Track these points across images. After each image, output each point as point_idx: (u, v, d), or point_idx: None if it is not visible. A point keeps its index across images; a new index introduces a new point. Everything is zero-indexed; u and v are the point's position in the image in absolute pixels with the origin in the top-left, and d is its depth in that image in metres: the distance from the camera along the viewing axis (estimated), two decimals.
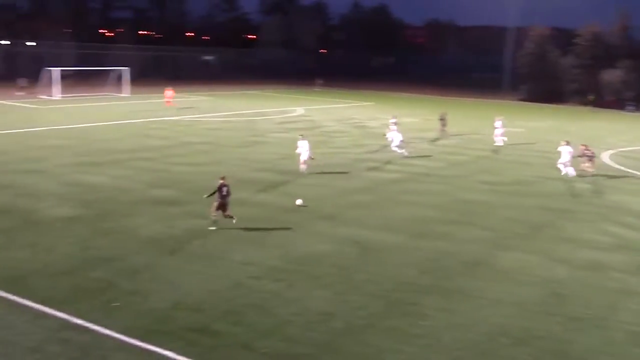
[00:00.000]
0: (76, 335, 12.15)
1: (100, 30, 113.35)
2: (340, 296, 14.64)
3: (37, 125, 39.77)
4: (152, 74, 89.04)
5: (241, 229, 19.42)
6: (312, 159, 28.22)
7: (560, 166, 29.82)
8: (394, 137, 33.88)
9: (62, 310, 13.11)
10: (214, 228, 19.20)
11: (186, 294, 14.39)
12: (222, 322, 13.06)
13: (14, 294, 13.84)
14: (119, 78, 65.71)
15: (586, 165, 29.77)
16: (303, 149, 28.09)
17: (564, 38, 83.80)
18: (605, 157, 35.92)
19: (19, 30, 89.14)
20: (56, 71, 59.91)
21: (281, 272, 16.00)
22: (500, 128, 38.65)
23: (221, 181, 19.30)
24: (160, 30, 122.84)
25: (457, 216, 22.11)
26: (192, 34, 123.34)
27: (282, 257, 17.06)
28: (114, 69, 66.98)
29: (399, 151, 33.37)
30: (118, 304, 13.68)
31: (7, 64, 76.95)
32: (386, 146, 35.06)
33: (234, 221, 19.32)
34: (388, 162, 31.84)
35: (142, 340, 12.02)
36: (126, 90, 64.73)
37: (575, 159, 29.85)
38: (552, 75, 79.11)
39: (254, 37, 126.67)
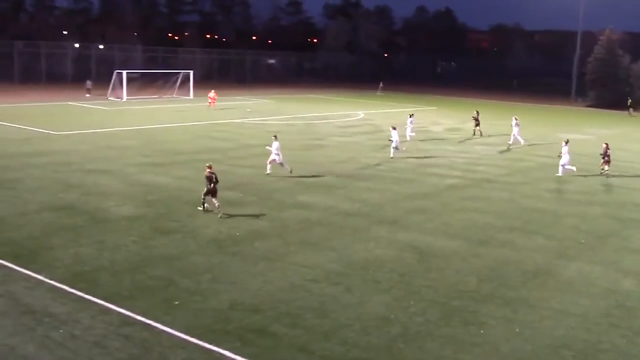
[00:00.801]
0: (137, 332, 12.42)
1: (168, 34, 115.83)
2: (399, 302, 14.54)
3: (106, 127, 40.89)
4: (217, 77, 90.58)
5: (300, 231, 19.54)
6: (281, 164, 27.38)
7: (560, 168, 30.30)
8: (394, 136, 33.36)
9: (124, 306, 13.43)
10: (200, 208, 21.11)
11: (245, 294, 14.53)
12: (279, 323, 13.14)
13: (80, 289, 14.24)
14: (184, 81, 66.99)
15: (603, 166, 30.83)
16: (273, 149, 27.28)
17: (636, 43, 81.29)
18: None
19: (90, 33, 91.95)
20: (124, 74, 61.50)
21: (339, 275, 16.00)
22: (516, 127, 39.62)
23: (208, 170, 20.69)
24: (226, 33, 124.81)
25: (519, 224, 21.68)
26: (257, 38, 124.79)
27: (341, 261, 17.06)
28: (180, 72, 68.32)
29: (393, 149, 33.29)
30: (178, 302, 13.92)
31: (78, 67, 79.44)
32: (448, 151, 34.71)
33: (217, 207, 20.69)
34: (450, 167, 31.49)
35: (201, 339, 12.20)
36: (191, 92, 65.90)
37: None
38: (623, 81, 76.79)
39: (317, 40, 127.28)
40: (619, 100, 74.52)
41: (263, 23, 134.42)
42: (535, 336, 13.10)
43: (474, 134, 43.47)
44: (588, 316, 14.18)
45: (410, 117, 41.28)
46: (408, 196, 25.06)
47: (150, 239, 18.19)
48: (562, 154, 30.29)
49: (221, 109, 55.44)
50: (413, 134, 40.69)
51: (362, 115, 55.60)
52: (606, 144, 31.09)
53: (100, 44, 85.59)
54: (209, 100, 55.73)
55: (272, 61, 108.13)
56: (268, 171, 27.61)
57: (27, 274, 15.03)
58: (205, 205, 21.15)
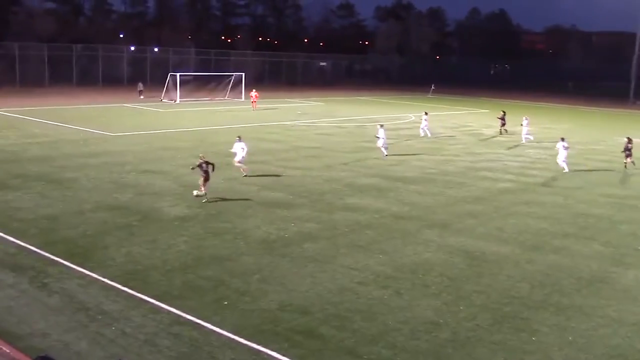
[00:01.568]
0: (186, 331, 12.56)
1: (220, 37, 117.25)
2: (448, 306, 14.36)
3: (159, 128, 41.59)
4: (268, 79, 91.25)
5: (350, 234, 19.50)
6: (240, 164, 26.98)
7: (562, 164, 31.52)
8: (381, 137, 33.97)
9: (174, 305, 13.60)
10: (204, 200, 22.47)
11: (293, 296, 14.56)
12: (327, 325, 13.12)
13: (132, 288, 14.49)
14: (236, 83, 67.66)
15: (627, 160, 32.28)
16: (238, 150, 26.86)
17: None
18: None
19: (145, 36, 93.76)
20: (178, 76, 62.46)
21: (388, 278, 15.89)
22: (526, 127, 41.94)
23: (200, 160, 22.49)
24: (277, 36, 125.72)
25: (574, 230, 21.19)
26: (308, 41, 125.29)
27: (390, 264, 16.95)
28: (232, 74, 69.05)
29: (383, 151, 33.82)
30: (227, 302, 14.03)
31: (133, 69, 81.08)
32: (500, 154, 34.20)
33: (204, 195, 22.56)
34: (503, 171, 31.01)
35: (249, 340, 12.26)
36: (243, 95, 66.52)
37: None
38: None
39: (368, 43, 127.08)
40: None
41: (314, 26, 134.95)
42: (590, 345, 12.77)
43: (500, 133, 45.10)
44: None
45: (424, 114, 43.82)
46: (459, 200, 24.77)
47: (201, 239, 18.40)
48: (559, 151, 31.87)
49: (272, 111, 55.79)
50: (427, 131, 42.90)
51: (413, 118, 55.22)
52: (628, 137, 32.86)
53: (155, 47, 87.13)
54: (252, 100, 57.25)
55: (323, 63, 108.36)
56: (246, 173, 27.15)
57: (81, 272, 15.37)
58: (203, 191, 22.60)
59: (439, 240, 19.27)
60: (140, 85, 65.31)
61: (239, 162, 27.17)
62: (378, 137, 33.99)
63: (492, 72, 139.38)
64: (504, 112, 46.34)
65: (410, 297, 14.81)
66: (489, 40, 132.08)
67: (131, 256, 16.70)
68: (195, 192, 22.98)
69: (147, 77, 78.48)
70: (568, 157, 31.78)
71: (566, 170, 31.28)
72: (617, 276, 16.88)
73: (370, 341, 12.53)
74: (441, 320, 13.58)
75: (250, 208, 22.01)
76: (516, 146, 40.04)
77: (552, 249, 18.88)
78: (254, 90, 58.35)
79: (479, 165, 32.49)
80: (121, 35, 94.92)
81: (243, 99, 64.96)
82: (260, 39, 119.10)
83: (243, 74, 68.42)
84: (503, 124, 45.23)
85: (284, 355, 11.78)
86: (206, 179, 22.51)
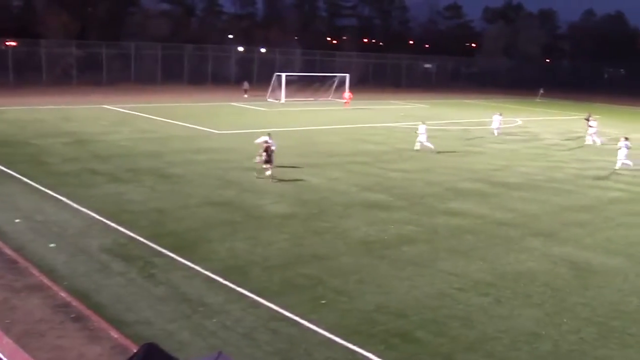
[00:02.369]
0: (284, 327, 12.76)
1: (326, 38, 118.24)
2: (551, 317, 13.89)
3: (264, 127, 42.33)
4: (372, 81, 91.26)
5: (450, 239, 19.23)
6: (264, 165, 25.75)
7: (624, 163, 32.34)
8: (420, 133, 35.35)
9: (273, 301, 13.85)
10: (261, 177, 25.43)
11: (391, 298, 14.51)
12: (424, 330, 12.99)
13: (233, 282, 14.86)
14: (340, 84, 68.06)
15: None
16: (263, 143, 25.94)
17: None
18: None
19: (254, 37, 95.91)
20: (283, 76, 63.52)
21: (489, 286, 15.55)
22: (594, 127, 42.21)
23: (264, 142, 25.46)
24: (383, 38, 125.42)
25: None
26: (413, 42, 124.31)
27: (491, 271, 16.58)
28: (336, 75, 69.51)
29: (428, 145, 34.99)
30: (325, 301, 14.15)
31: (241, 69, 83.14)
32: (611, 162, 32.76)
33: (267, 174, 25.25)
34: (613, 180, 29.69)
35: (346, 340, 12.31)
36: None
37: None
38: None
39: (475, 45, 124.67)
40: None
41: (420, 27, 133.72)
42: None
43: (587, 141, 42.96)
44: None
45: (499, 115, 44.50)
46: (566, 208, 23.90)
47: (302, 237, 18.64)
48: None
49: (375, 112, 55.79)
50: (498, 130, 43.76)
51: (520, 122, 53.77)
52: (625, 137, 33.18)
53: (263, 47, 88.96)
54: (344, 100, 60.42)
55: (428, 65, 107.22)
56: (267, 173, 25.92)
57: (186, 264, 15.92)
58: (267, 173, 25.32)
59: (543, 249, 18.67)
60: (246, 85, 66.84)
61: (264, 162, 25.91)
62: (418, 134, 35.49)
63: (605, 76, 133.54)
64: (589, 113, 45.23)
65: (511, 306, 14.44)
66: (604, 43, 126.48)
67: (233, 251, 17.13)
68: (267, 173, 25.55)
69: (253, 76, 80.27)
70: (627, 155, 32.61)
71: (630, 164, 32.28)
72: None
73: (468, 349, 12.31)
74: (543, 332, 13.16)
75: (350, 208, 22.10)
76: (628, 155, 38.19)
77: None
78: (347, 90, 62.24)
79: (587, 173, 31.23)
80: (230, 36, 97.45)
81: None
82: (365, 40, 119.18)
83: (347, 75, 68.75)
84: (590, 126, 43.59)
85: (379, 357, 11.76)
86: (268, 161, 25.37)
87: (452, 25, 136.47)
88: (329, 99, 66.61)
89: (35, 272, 14.88)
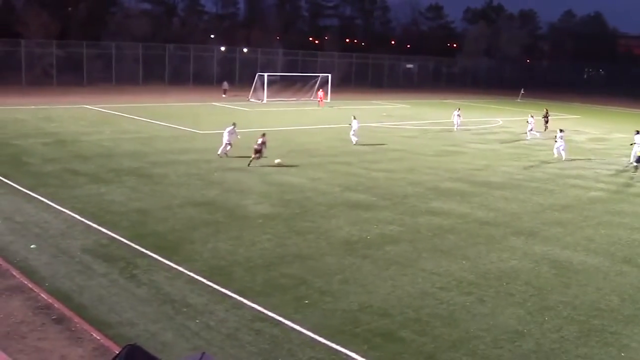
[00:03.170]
0: (268, 328, 12.75)
1: (308, 38, 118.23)
2: (533, 316, 14.00)
3: (246, 127, 42.27)
4: (354, 81, 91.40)
5: (433, 238, 19.31)
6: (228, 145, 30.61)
7: (560, 152, 35.08)
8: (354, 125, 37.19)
9: (256, 302, 13.83)
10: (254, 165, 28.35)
11: (374, 298, 14.55)
12: (407, 329, 13.04)
13: (217, 283, 14.83)
14: (322, 84, 68.12)
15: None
16: (225, 136, 30.75)
17: None
18: None
19: (235, 37, 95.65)
20: (265, 76, 63.44)
21: (471, 285, 15.64)
22: (531, 124, 44.13)
23: (263, 138, 29.16)
24: (365, 38, 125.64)
25: None
26: (395, 42, 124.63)
27: (473, 270, 16.68)
28: (318, 75, 69.55)
29: (353, 139, 37.03)
30: (308, 301, 14.16)
31: (222, 69, 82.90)
32: (592, 161, 33.09)
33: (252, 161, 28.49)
34: (594, 179, 29.97)
35: (329, 340, 12.33)
36: (329, 96, 66.91)
37: None
38: None
39: (456, 45, 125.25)
40: None
41: (402, 27, 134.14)
42: None
43: (545, 131, 45.46)
44: None
45: (457, 111, 47.46)
46: (547, 207, 24.10)
47: (285, 237, 18.63)
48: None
49: (357, 112, 55.93)
50: (458, 125, 46.65)
51: (501, 122, 54.15)
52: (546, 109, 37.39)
53: (245, 47, 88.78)
54: (318, 99, 61.76)
55: (410, 66, 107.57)
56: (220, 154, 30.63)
57: (169, 265, 15.86)
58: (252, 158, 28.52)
59: (524, 248, 18.82)
60: (225, 85, 66.68)
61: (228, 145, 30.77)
62: (350, 126, 37.38)
63: (585, 76, 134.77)
64: (546, 109, 48.77)
65: (493, 304, 14.54)
66: (583, 44, 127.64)
67: (216, 252, 17.09)
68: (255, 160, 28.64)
69: (235, 76, 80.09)
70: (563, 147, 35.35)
71: (563, 158, 34.88)
72: None
73: (451, 347, 12.38)
74: (525, 330, 13.27)
75: (333, 208, 22.13)
76: (608, 152, 38.61)
77: None
78: (321, 90, 63.68)
79: (568, 172, 31.51)
80: (212, 36, 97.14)
81: (329, 100, 65.37)
82: (347, 40, 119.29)
83: (329, 75, 68.79)
84: (546, 122, 46.70)
85: (363, 357, 11.79)
86: (257, 151, 28.66)
87: (434, 26, 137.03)
88: (312, 99, 66.60)
89: (16, 273, 14.75)
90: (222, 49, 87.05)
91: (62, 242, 17.25)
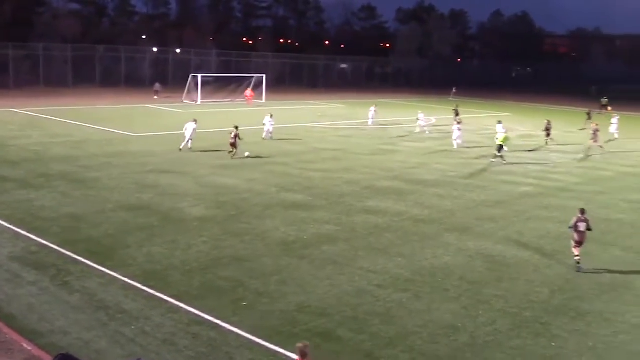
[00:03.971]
0: (205, 331, 12.63)
1: (242, 39, 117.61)
2: (467, 310, 14.30)
3: (180, 129, 41.72)
4: (289, 81, 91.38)
5: (369, 237, 19.49)
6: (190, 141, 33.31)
7: (457, 142, 38.51)
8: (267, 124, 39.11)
9: (193, 305, 13.69)
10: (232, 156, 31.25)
11: (312, 297, 14.59)
12: (345, 328, 13.13)
13: (152, 287, 14.61)
14: (257, 85, 67.87)
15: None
16: (188, 131, 33.38)
17: None
18: None
19: (168, 38, 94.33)
20: (199, 78, 62.78)
21: (407, 282, 15.86)
22: (422, 120, 45.92)
23: (235, 131, 31.97)
24: (298, 38, 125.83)
25: (595, 235, 20.82)
26: (329, 43, 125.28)
27: (409, 267, 16.92)
28: (252, 76, 69.25)
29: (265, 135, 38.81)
30: (246, 303, 14.09)
31: (155, 70, 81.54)
32: (521, 157, 33.97)
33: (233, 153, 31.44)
34: (524, 175, 30.81)
35: (267, 341, 12.31)
36: (264, 96, 66.71)
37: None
38: None
39: (389, 45, 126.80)
40: None
41: (336, 27, 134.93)
42: (610, 351, 12.67)
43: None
44: None
45: (373, 107, 50.15)
46: (480, 203, 24.65)
47: (221, 239, 18.49)
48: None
49: (292, 112, 55.95)
50: (372, 120, 48.88)
51: (434, 121, 55.00)
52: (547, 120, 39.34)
53: (177, 48, 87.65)
54: (246, 97, 63.51)
55: (344, 66, 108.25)
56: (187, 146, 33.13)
57: (102, 271, 15.52)
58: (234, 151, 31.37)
59: (458, 244, 19.20)
60: (157, 86, 65.70)
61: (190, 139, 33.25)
62: (264, 124, 39.03)
63: (514, 75, 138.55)
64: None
65: (429, 300, 14.78)
66: (511, 43, 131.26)
67: (151, 256, 16.83)
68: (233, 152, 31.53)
69: (168, 78, 78.95)
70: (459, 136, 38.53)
71: (455, 147, 37.98)
72: (638, 282, 16.71)
73: (388, 344, 12.52)
74: (460, 325, 13.53)
75: (269, 209, 22.08)
76: (538, 150, 39.76)
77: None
78: (248, 89, 64.92)
79: (499, 169, 32.29)
80: (144, 37, 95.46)
81: (264, 101, 65.19)
82: (281, 41, 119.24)
83: (264, 76, 68.59)
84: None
85: None
86: (233, 145, 31.52)
87: (367, 26, 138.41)
88: (240, 99, 66.26)
89: None
90: (155, 49, 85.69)
91: None
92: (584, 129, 40.88)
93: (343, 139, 40.82)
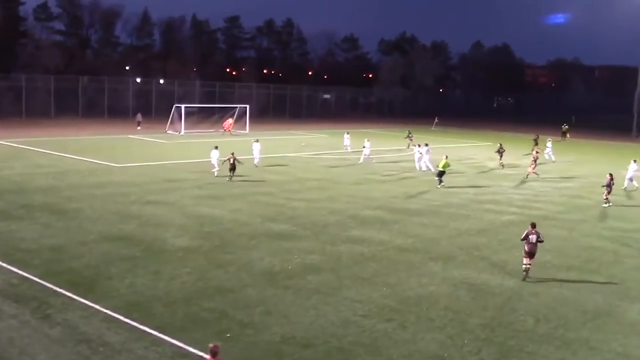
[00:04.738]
0: None
1: (225, 69, 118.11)
2: (453, 340, 14.26)
3: (164, 159, 41.78)
4: (272, 111, 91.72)
5: (354, 266, 19.44)
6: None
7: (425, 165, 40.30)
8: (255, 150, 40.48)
9: (176, 337, 13.54)
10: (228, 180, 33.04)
11: (297, 328, 14.48)
12: (331, 359, 13.02)
13: (135, 319, 14.43)
14: (240, 115, 67.99)
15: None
16: (213, 159, 35.41)
17: None
18: None
19: (151, 69, 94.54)
20: (183, 108, 62.83)
21: (392, 311, 15.81)
22: (368, 148, 45.30)
23: (231, 156, 33.66)
24: (282, 69, 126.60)
25: (578, 263, 21.10)
26: (312, 73, 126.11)
27: (394, 297, 16.87)
28: (236, 107, 69.40)
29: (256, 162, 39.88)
30: (230, 334, 13.95)
31: (138, 101, 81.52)
32: (504, 187, 34.16)
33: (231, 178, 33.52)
34: (507, 204, 30.98)
35: None
36: (247, 127, 66.82)
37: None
38: None
39: (372, 76, 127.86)
40: None
41: (319, 58, 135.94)
42: None
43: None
44: None
45: (347, 133, 53.58)
46: (463, 232, 24.72)
47: (205, 270, 18.35)
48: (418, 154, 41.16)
49: (275, 143, 56.06)
50: (349, 146, 51.45)
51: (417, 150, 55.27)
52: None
53: (161, 79, 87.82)
54: (225, 126, 64.85)
55: (327, 96, 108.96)
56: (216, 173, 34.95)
57: (84, 303, 15.32)
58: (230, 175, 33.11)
59: (443, 273, 19.19)
60: (139, 117, 65.63)
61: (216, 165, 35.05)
62: (253, 150, 40.22)
63: (495, 105, 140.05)
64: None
65: (414, 330, 14.72)
66: (493, 74, 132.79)
67: (134, 287, 16.66)
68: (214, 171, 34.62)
69: (152, 109, 78.95)
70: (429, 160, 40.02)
71: (425, 170, 40.27)
72: (622, 310, 16.78)
73: None
74: (445, 354, 13.48)
75: (253, 239, 22.00)
76: (520, 179, 40.04)
77: (557, 282, 18.79)
78: (229, 118, 65.93)
79: (483, 198, 32.46)
80: (127, 68, 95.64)
81: (247, 131, 65.28)
82: (265, 71, 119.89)
83: (247, 106, 68.79)
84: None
85: None
86: (232, 169, 33.46)
87: (350, 57, 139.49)
88: (219, 130, 66.30)
89: None
90: (138, 80, 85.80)
91: None
92: (529, 154, 42.85)
93: (327, 169, 40.90)
